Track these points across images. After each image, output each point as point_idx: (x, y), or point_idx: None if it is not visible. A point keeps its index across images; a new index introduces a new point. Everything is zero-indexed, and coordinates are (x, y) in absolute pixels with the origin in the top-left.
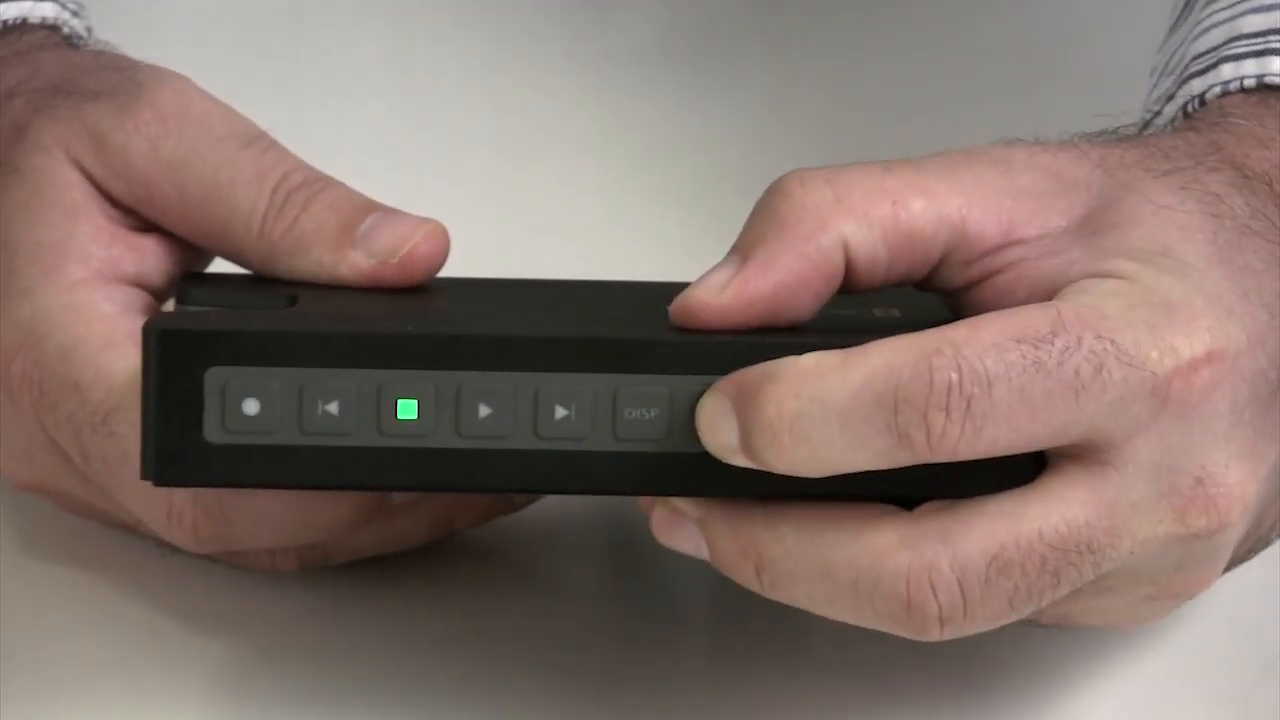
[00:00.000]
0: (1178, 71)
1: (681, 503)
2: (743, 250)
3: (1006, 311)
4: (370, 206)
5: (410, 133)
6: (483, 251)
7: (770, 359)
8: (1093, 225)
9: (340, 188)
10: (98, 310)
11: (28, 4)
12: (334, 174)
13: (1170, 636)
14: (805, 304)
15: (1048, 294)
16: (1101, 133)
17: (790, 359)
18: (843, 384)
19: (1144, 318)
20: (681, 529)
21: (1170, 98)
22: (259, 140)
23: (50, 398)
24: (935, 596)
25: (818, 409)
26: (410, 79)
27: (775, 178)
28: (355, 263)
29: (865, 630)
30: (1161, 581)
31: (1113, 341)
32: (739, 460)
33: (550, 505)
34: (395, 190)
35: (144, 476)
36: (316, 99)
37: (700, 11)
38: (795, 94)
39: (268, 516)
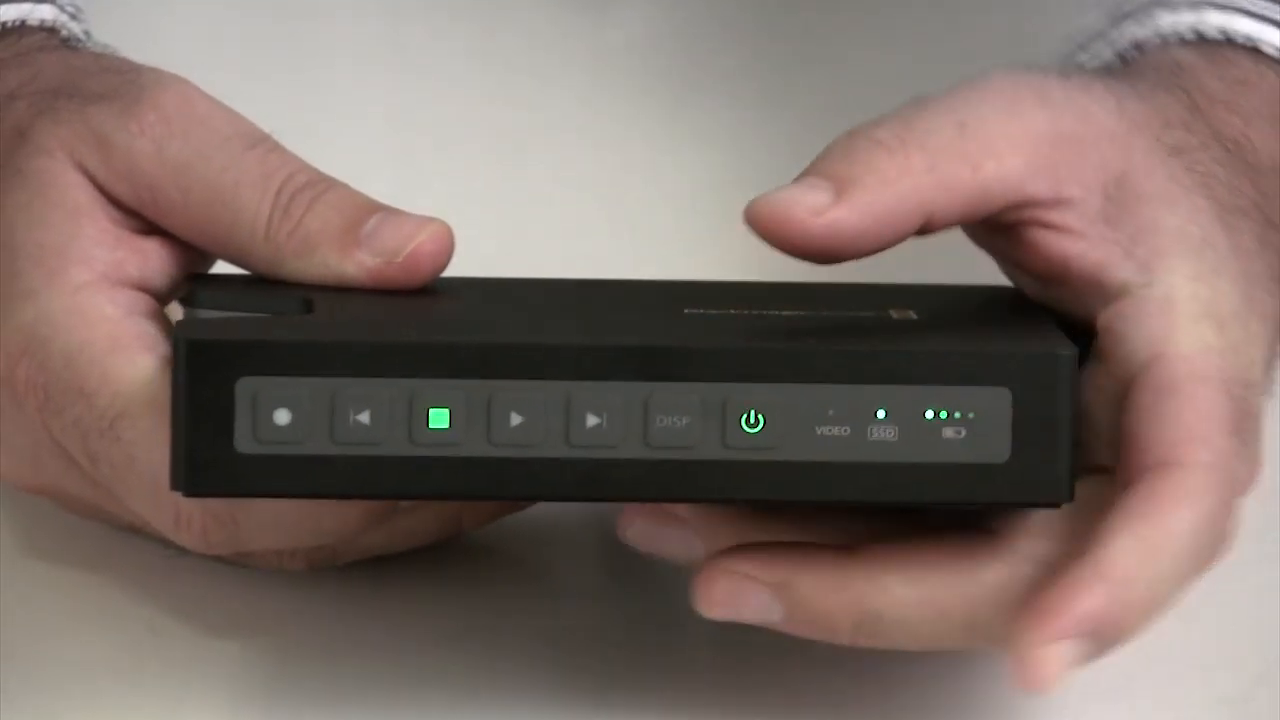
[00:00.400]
0: (1112, 10)
1: (753, 569)
2: (837, 182)
3: (1197, 407)
4: (374, 207)
5: (406, 132)
6: (478, 250)
7: (807, 365)
8: (1129, 189)
9: (344, 188)
10: (101, 313)
11: (27, 5)
12: (330, 175)
13: (1170, 636)
14: (872, 250)
15: (1098, 266)
16: (1105, 69)
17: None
18: (1185, 539)
19: (1233, 341)
20: (752, 596)
21: (1102, 35)
22: (263, 142)
23: (56, 403)
24: None
25: (1169, 567)
26: (406, 78)
27: (774, 175)
28: (361, 262)
29: None
30: None
31: (1249, 383)
32: None
33: (551, 505)
34: (391, 190)
35: (174, 487)
36: (312, 99)
37: (698, 10)
38: (794, 92)
39: (277, 521)
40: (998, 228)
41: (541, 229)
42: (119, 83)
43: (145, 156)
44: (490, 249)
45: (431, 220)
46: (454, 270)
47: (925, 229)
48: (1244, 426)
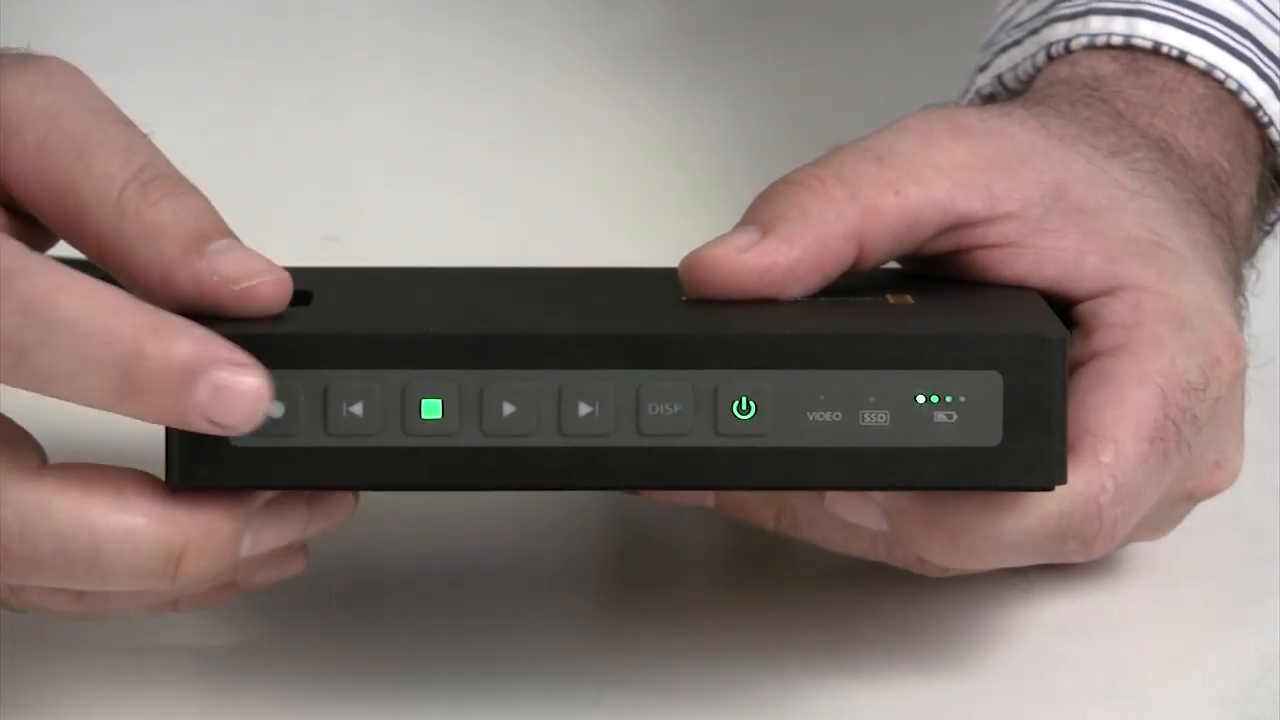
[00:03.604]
0: (1045, 6)
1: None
2: (762, 224)
3: (1123, 407)
4: (229, 231)
5: (412, 127)
6: (480, 245)
7: (797, 352)
8: (1070, 200)
9: (205, 199)
10: None
11: None
12: (335, 169)
13: (1170, 635)
14: (813, 284)
15: (1054, 280)
16: (1011, 94)
17: (955, 503)
18: (1017, 525)
19: (1192, 342)
20: (866, 505)
21: (1035, 32)
22: (138, 127)
23: None
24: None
25: (991, 544)
26: (411, 74)
27: (776, 172)
28: (197, 272)
29: (868, 629)
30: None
31: (1194, 388)
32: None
33: (550, 505)
34: (396, 184)
35: (169, 480)
36: (318, 96)
37: (703, 7)
38: (796, 89)
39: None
40: (939, 262)
41: (546, 223)
42: (2, 53)
43: (11, 97)
44: (496, 243)
45: (278, 268)
46: (458, 261)
47: (860, 260)
48: (1164, 434)
